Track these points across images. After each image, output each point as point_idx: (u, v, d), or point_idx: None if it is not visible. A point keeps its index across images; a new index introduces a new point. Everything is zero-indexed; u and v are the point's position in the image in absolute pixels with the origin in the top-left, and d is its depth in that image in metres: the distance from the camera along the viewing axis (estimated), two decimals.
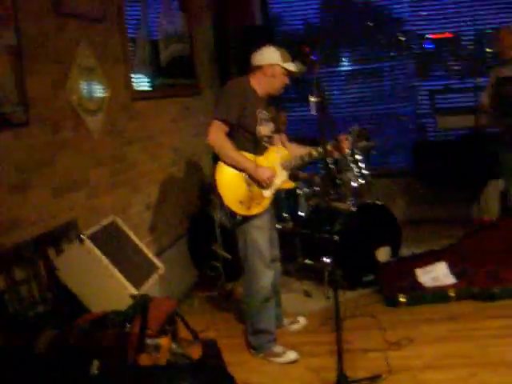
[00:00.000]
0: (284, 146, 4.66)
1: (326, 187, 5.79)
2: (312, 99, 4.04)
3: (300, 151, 4.57)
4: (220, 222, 5.71)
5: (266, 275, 4.40)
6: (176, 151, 5.95)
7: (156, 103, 5.63)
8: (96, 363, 2.56)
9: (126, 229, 4.12)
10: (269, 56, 4.37)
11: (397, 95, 8.09)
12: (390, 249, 5.74)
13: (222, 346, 3.94)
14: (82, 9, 4.47)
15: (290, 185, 4.62)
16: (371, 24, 8.05)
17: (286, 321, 4.90)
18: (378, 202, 5.86)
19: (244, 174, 4.29)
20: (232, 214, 4.31)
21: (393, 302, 5.13)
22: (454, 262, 5.36)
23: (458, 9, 7.67)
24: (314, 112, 4.03)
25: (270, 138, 4.48)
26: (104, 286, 3.62)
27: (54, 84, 4.06)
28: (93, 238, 3.71)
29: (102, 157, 4.60)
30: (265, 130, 4.40)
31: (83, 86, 4.38)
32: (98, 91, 4.59)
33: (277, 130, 4.62)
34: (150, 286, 3.91)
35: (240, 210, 4.28)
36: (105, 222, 4.00)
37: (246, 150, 4.33)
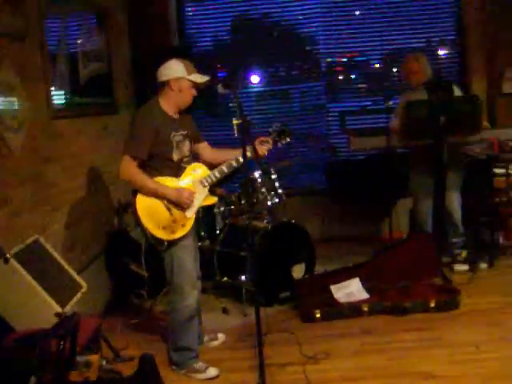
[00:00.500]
0: (207, 153, 4.72)
1: (242, 206, 5.88)
2: (235, 121, 4.15)
3: (225, 155, 4.60)
4: (136, 239, 5.77)
5: (191, 295, 4.45)
6: (94, 170, 5.95)
7: (75, 122, 5.61)
8: (33, 380, 2.59)
9: (49, 247, 4.13)
10: (173, 70, 4.36)
11: (307, 115, 8.27)
12: (305, 266, 5.89)
13: None
14: (4, 26, 4.46)
15: (212, 200, 4.63)
16: (276, 37, 8.20)
17: (205, 337, 4.98)
18: (292, 221, 5.99)
19: (163, 200, 4.31)
20: (158, 241, 4.33)
21: (309, 318, 5.28)
22: (366, 278, 5.55)
23: (366, 30, 7.96)
24: (236, 134, 4.15)
25: (188, 157, 4.51)
26: (29, 304, 3.63)
27: None
28: (17, 257, 3.71)
29: (23, 175, 4.58)
30: (181, 152, 4.42)
31: (5, 104, 4.37)
32: (20, 109, 4.58)
33: (195, 140, 4.66)
34: (74, 304, 3.93)
35: (164, 236, 4.31)
36: (28, 240, 4.00)
37: (164, 175, 4.36)
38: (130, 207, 6.15)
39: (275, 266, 5.72)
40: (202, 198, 4.49)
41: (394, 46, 8.03)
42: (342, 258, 6.49)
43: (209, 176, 4.51)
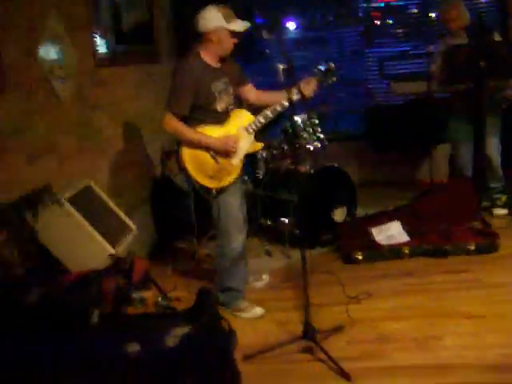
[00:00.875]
0: (252, 95, 4.65)
1: (284, 150, 5.96)
2: (280, 66, 4.18)
3: (271, 97, 4.52)
4: (180, 186, 5.90)
5: (237, 239, 4.51)
6: (138, 117, 6.07)
7: (119, 70, 5.73)
8: (96, 312, 2.73)
9: (100, 192, 4.27)
10: (211, 20, 4.23)
11: (346, 61, 8.26)
12: (346, 209, 5.99)
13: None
14: None
15: (258, 146, 4.63)
16: None
17: (250, 278, 5.09)
18: (333, 165, 6.06)
19: (208, 149, 4.32)
20: (207, 190, 4.37)
21: (351, 260, 5.38)
22: (407, 221, 5.64)
23: None
24: (282, 79, 4.17)
25: (232, 104, 4.48)
26: (83, 246, 3.79)
27: (28, 52, 4.16)
28: (71, 200, 3.86)
29: (70, 123, 4.72)
30: (224, 101, 4.38)
31: (53, 54, 4.48)
32: (66, 58, 4.69)
33: (240, 83, 4.58)
34: (125, 246, 4.08)
35: (212, 185, 4.34)
36: (80, 185, 4.15)
37: (208, 124, 4.34)
38: (173, 154, 6.31)
39: (317, 209, 5.81)
40: (248, 144, 4.47)
41: None
42: (383, 202, 6.52)
43: (253, 122, 4.45)
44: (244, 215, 4.67)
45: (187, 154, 4.32)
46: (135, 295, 3.20)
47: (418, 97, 6.71)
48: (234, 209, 4.48)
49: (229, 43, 4.31)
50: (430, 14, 8.06)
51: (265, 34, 4.24)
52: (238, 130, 4.44)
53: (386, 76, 7.67)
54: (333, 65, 4.51)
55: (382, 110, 7.95)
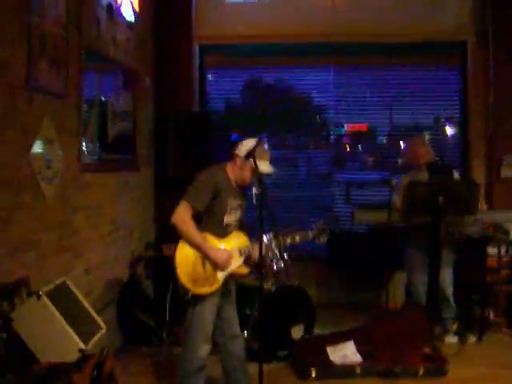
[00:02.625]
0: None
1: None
2: (254, 191, 4.52)
3: None
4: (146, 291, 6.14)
5: (203, 349, 4.66)
6: (114, 222, 6.36)
7: (101, 176, 6.06)
8: None
9: (74, 289, 4.50)
10: (245, 148, 4.60)
11: (313, 184, 8.63)
12: (304, 327, 6.22)
13: None
14: (48, 84, 4.92)
15: (244, 270, 4.83)
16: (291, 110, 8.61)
17: None
18: (295, 284, 6.37)
19: (201, 255, 4.56)
20: (185, 290, 4.55)
21: (304, 375, 5.59)
22: (360, 343, 5.88)
23: (376, 104, 8.49)
24: (255, 202, 4.50)
25: (235, 224, 4.75)
26: (55, 339, 3.97)
27: (20, 152, 4.47)
28: (48, 294, 4.08)
29: (52, 222, 4.98)
30: (231, 218, 4.68)
31: (44, 156, 4.78)
32: (55, 161, 4.99)
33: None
34: (94, 343, 4.27)
35: (192, 288, 4.54)
36: (57, 281, 4.39)
37: (210, 232, 4.62)
38: (142, 260, 6.59)
39: (276, 325, 6.05)
40: (236, 265, 4.72)
41: (402, 122, 8.57)
42: (341, 323, 6.74)
43: (247, 247, 4.74)
44: (232, 328, 4.91)
45: (183, 250, 4.55)
46: None
47: (379, 226, 7.05)
48: (205, 319, 4.66)
49: (247, 176, 4.67)
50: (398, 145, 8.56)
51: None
52: (233, 249, 4.69)
53: (351, 202, 8.04)
54: (327, 228, 5.03)
55: (346, 235, 8.28)
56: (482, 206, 6.73)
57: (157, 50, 7.94)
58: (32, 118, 4.64)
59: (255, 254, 4.54)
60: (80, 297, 4.53)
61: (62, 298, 4.28)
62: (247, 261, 4.79)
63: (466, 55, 8.20)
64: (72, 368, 3.42)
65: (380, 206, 6.59)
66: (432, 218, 6.08)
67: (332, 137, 8.67)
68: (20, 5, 4.46)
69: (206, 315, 4.65)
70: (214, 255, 4.56)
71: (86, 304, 4.56)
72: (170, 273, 4.66)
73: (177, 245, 4.59)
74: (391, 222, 6.36)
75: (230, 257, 4.63)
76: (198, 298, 4.61)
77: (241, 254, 4.72)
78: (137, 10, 7.05)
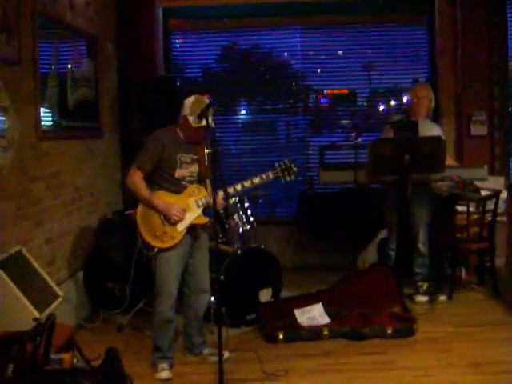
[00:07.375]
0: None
1: (215, 231, 6.18)
2: (206, 150, 4.57)
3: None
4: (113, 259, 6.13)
5: (164, 303, 4.88)
6: (77, 190, 6.27)
7: (61, 143, 5.95)
8: (11, 366, 2.91)
9: (30, 258, 4.44)
10: (185, 106, 4.83)
11: (290, 148, 8.60)
12: (272, 291, 6.19)
13: None
14: (1, 52, 4.80)
15: (203, 220, 4.99)
16: (268, 76, 8.57)
17: (206, 350, 5.23)
18: (261, 247, 6.35)
19: (159, 212, 4.78)
20: (148, 247, 4.80)
21: (272, 339, 5.57)
22: (329, 304, 5.88)
23: (355, 67, 8.46)
24: (207, 163, 4.56)
25: (191, 177, 4.92)
26: (10, 308, 3.93)
27: None
28: (1, 264, 4.02)
29: (9, 192, 4.89)
30: (184, 172, 4.86)
31: None
32: (9, 129, 4.89)
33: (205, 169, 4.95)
34: (51, 312, 4.22)
35: (155, 243, 4.78)
36: (12, 250, 4.32)
37: (165, 189, 4.85)
38: (108, 227, 6.54)
39: (243, 288, 6.03)
40: (194, 216, 4.90)
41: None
42: (310, 286, 6.76)
43: (204, 197, 4.92)
44: (201, 283, 5.14)
45: (141, 211, 4.84)
46: (53, 356, 3.36)
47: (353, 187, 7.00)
48: (168, 273, 4.85)
49: (191, 130, 4.85)
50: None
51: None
52: (189, 202, 4.89)
53: (325, 164, 7.98)
54: (294, 166, 5.05)
55: (316, 196, 8.29)
56: (453, 163, 6.65)
57: (118, 14, 7.78)
58: None
59: (212, 202, 4.57)
60: (36, 266, 4.48)
61: (16, 267, 4.25)
62: (207, 211, 4.98)
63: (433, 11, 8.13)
64: (24, 337, 3.34)
65: (346, 167, 6.51)
66: (398, 177, 6.04)
67: (311, 101, 8.63)
68: None
69: (168, 270, 4.84)
70: (163, 208, 4.77)
71: (44, 273, 4.51)
72: (135, 237, 4.90)
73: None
74: (358, 182, 6.30)
75: (181, 208, 4.80)
76: (161, 253, 4.83)
77: (198, 204, 4.91)
78: None
